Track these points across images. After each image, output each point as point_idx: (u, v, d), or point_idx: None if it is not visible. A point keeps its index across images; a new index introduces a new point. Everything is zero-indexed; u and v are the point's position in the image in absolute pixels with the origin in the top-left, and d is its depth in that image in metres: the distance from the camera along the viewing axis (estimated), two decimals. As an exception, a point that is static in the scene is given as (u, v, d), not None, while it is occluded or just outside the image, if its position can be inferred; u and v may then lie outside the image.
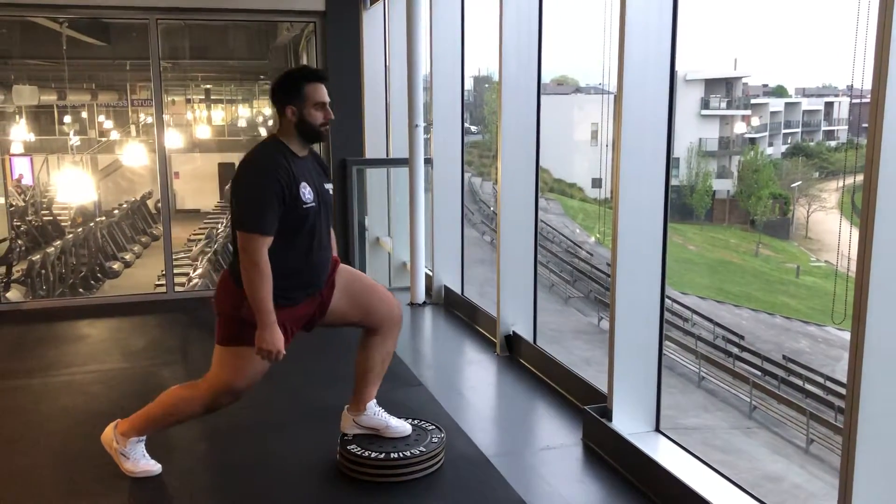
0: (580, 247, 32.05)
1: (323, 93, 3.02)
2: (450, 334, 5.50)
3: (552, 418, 4.04)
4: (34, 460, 3.50)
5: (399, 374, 4.50)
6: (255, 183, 2.91)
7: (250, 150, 3.08)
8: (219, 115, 18.33)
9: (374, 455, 3.20)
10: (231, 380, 3.06)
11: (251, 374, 3.07)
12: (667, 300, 3.72)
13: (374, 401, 3.35)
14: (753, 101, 47.43)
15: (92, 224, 14.28)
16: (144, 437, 3.24)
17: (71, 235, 13.48)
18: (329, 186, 3.15)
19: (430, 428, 3.43)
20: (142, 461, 3.23)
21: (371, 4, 7.16)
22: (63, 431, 3.81)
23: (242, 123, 18.16)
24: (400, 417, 3.41)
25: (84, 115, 19.30)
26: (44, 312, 6.19)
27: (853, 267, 2.42)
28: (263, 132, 15.61)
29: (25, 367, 4.81)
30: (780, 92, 52.12)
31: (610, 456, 3.45)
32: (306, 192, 2.95)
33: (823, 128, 51.03)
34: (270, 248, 2.88)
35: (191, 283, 9.72)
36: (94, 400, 4.22)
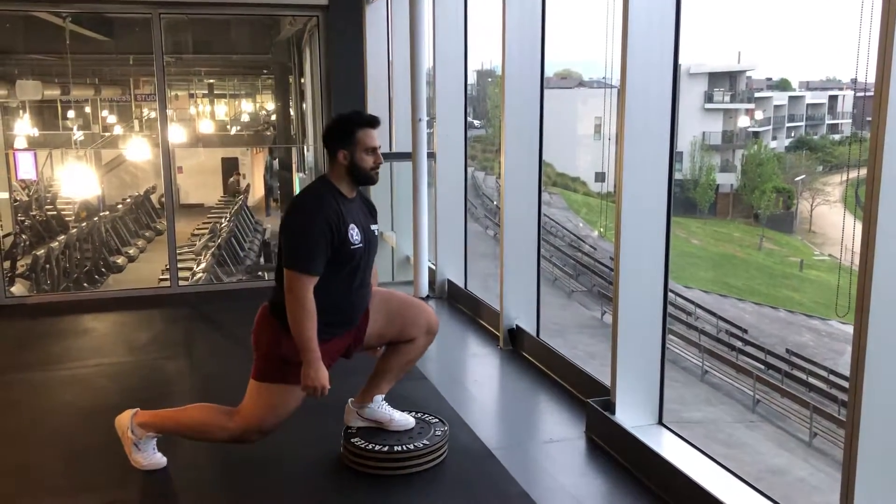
0: (583, 241, 32.03)
1: (374, 138, 3.08)
2: (453, 328, 5.51)
3: (555, 411, 4.05)
4: (39, 453, 3.52)
5: (402, 368, 4.51)
6: (306, 224, 2.95)
7: (301, 190, 3.18)
8: (222, 109, 18.35)
9: (377, 448, 3.21)
10: (263, 416, 3.08)
11: (283, 412, 3.09)
12: (670, 294, 3.72)
13: (383, 395, 3.37)
14: (757, 94, 47.30)
15: (96, 219, 14.31)
16: (160, 435, 3.27)
17: (75, 230, 13.50)
18: (375, 227, 3.20)
19: (434, 421, 3.44)
20: (151, 455, 3.25)
21: (374, -2, 7.16)
22: (68, 425, 3.83)
23: (245, 118, 18.17)
24: (403, 411, 3.43)
25: (87, 109, 19.31)
26: (48, 307, 6.21)
27: (857, 261, 2.42)
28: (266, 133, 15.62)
29: (30, 360, 4.83)
30: (783, 85, 51.96)
31: (613, 449, 3.46)
32: (354, 233, 3.01)
33: (827, 121, 50.88)
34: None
35: (195, 278, 9.74)
36: (99, 393, 4.24)
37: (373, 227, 3.18)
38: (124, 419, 3.25)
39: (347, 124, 3.07)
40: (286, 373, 3.01)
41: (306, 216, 2.97)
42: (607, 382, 3.68)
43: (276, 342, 3.03)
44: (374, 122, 3.11)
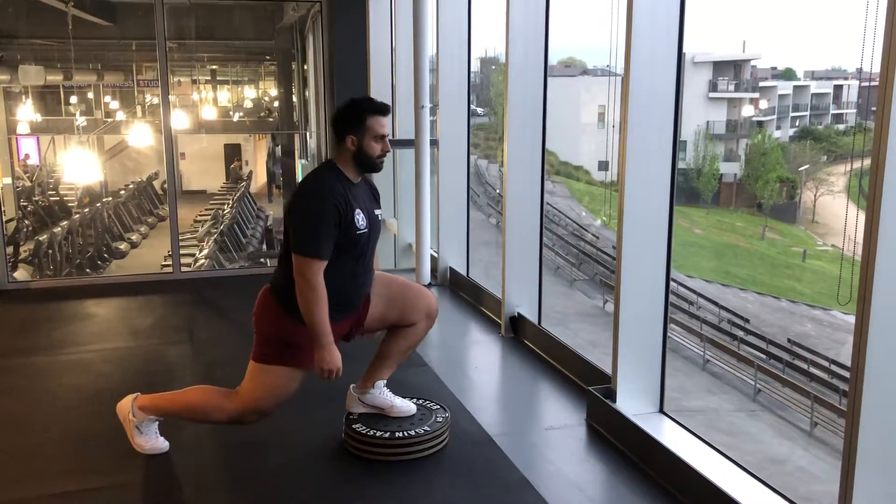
0: (586, 229, 32.01)
1: (384, 125, 3.07)
2: (455, 315, 5.52)
3: (556, 399, 4.06)
4: (42, 438, 3.54)
5: (404, 355, 4.52)
6: (314, 208, 2.96)
7: (308, 174, 3.16)
8: (224, 96, 18.30)
9: (379, 434, 3.23)
10: (262, 397, 3.09)
11: (281, 394, 3.11)
12: (672, 283, 3.72)
13: (384, 381, 3.38)
14: (762, 83, 47.10)
15: (98, 204, 14.32)
16: (162, 419, 3.28)
17: (78, 216, 13.51)
18: (379, 212, 3.20)
19: (435, 408, 3.45)
20: (153, 438, 3.27)
21: (377, -16, 7.13)
22: (70, 409, 3.84)
23: (248, 105, 18.13)
24: (405, 397, 3.44)
25: (90, 95, 19.28)
26: (51, 292, 6.23)
27: (860, 251, 2.42)
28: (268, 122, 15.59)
29: (33, 345, 4.85)
30: (788, 75, 51.74)
31: (613, 436, 3.47)
32: (360, 218, 3.02)
33: (832, 111, 50.69)
34: None
35: (197, 264, 9.76)
36: (102, 378, 4.26)
37: (376, 211, 3.18)
38: (125, 404, 3.27)
39: (358, 110, 3.06)
40: (286, 355, 3.03)
41: (315, 201, 2.97)
42: (608, 370, 3.69)
43: (276, 324, 3.04)
44: (385, 109, 3.10)
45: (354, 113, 3.05)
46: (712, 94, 44.08)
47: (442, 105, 5.91)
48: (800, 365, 18.33)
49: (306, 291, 2.91)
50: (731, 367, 17.37)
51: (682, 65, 3.42)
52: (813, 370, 17.99)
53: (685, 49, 3.45)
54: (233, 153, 16.28)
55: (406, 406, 3.39)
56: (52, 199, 15.57)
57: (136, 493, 3.11)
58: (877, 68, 2.39)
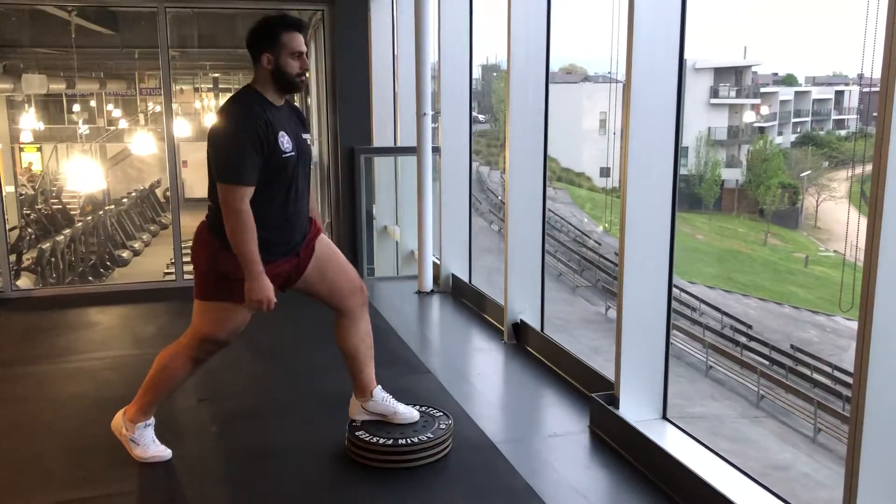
0: (588, 236, 32.02)
1: (300, 42, 2.98)
2: (457, 322, 5.52)
3: (559, 406, 4.06)
4: (45, 446, 3.53)
5: (407, 362, 4.52)
6: (233, 133, 2.89)
7: (226, 100, 3.07)
8: (227, 103, 18.31)
9: (382, 441, 3.22)
10: (212, 332, 3.08)
11: (232, 326, 3.08)
12: (674, 289, 3.72)
13: (381, 387, 3.37)
14: (763, 89, 47.15)
15: (101, 212, 14.35)
16: (152, 422, 3.26)
17: (80, 224, 13.54)
18: (307, 137, 3.12)
19: (438, 414, 3.45)
20: (151, 447, 3.25)
21: (379, -8, 7.15)
22: (73, 417, 3.84)
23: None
24: (408, 404, 3.43)
25: (93, 103, 19.33)
26: (54, 300, 6.23)
27: (862, 257, 2.42)
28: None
29: (36, 353, 4.85)
30: (789, 81, 51.80)
31: (617, 443, 3.46)
32: (285, 140, 2.93)
33: (833, 117, 50.71)
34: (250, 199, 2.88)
35: (200, 272, 9.75)
36: (105, 386, 4.26)
37: (304, 136, 3.09)
38: (117, 420, 3.27)
39: (272, 26, 2.96)
40: (225, 289, 2.98)
41: (234, 125, 2.90)
42: (611, 377, 3.68)
43: (213, 259, 2.99)
44: (300, 24, 3.02)
45: (268, 30, 2.96)
46: (714, 101, 44.13)
47: (444, 112, 5.92)
48: (803, 371, 18.31)
49: (231, 219, 2.84)
50: (733, 374, 17.36)
51: (683, 71, 3.43)
52: (816, 376, 17.97)
53: (686, 55, 3.45)
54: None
55: (409, 413, 3.38)
56: (54, 207, 15.60)
57: (139, 501, 3.11)
58: (878, 74, 2.39)
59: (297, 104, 3.26)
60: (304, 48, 2.99)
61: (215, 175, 2.92)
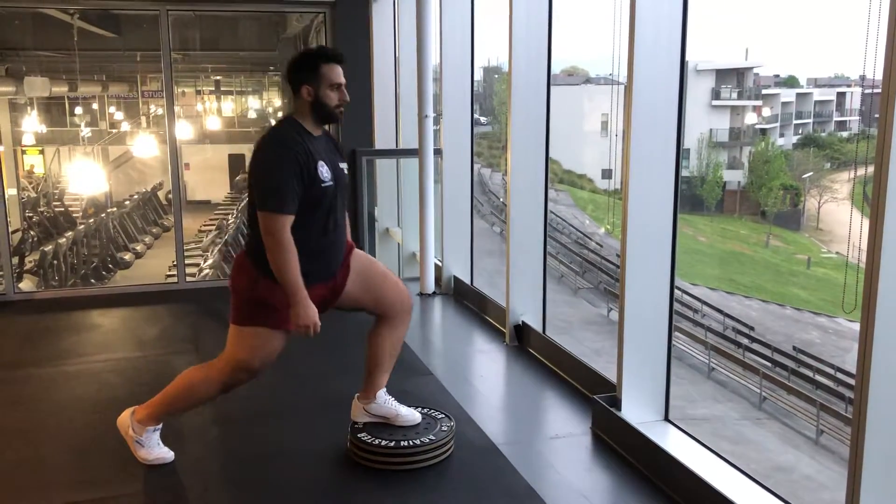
0: (590, 238, 32.00)
1: (339, 74, 3.02)
2: (459, 324, 5.52)
3: (561, 407, 4.06)
4: (47, 449, 3.54)
5: (409, 364, 4.52)
6: (275, 162, 2.92)
7: (266, 130, 3.11)
8: (229, 106, 18.36)
9: (384, 443, 3.22)
10: (246, 359, 3.09)
11: (266, 354, 3.10)
12: (676, 291, 3.72)
13: (385, 389, 3.37)
14: (765, 91, 47.13)
15: (103, 215, 14.36)
16: (160, 426, 3.27)
17: (82, 226, 13.55)
18: (344, 166, 3.15)
19: (440, 416, 3.45)
20: (156, 449, 3.26)
21: (381, -5, 7.16)
22: (76, 420, 3.85)
23: (252, 115, 18.19)
24: (410, 406, 3.44)
25: (95, 106, 19.36)
26: (56, 302, 6.24)
27: (864, 258, 2.42)
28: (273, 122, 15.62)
29: (38, 356, 4.86)
30: (791, 82, 51.78)
31: (619, 445, 3.46)
32: (324, 170, 2.97)
33: (835, 118, 50.68)
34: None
35: (202, 274, 9.78)
36: (107, 388, 4.26)
37: (341, 165, 3.13)
38: (124, 419, 3.28)
39: (312, 58, 3.01)
40: (263, 315, 3.01)
41: (275, 155, 2.93)
42: (613, 379, 3.68)
43: (251, 285, 3.02)
44: (339, 57, 3.05)
45: (308, 62, 3.00)
46: (715, 102, 44.10)
47: (445, 114, 5.93)
48: (805, 373, 18.27)
49: (274, 248, 2.88)
50: (736, 375, 17.32)
51: (685, 73, 3.43)
52: (818, 378, 17.93)
53: (688, 57, 3.46)
54: (237, 163, 16.33)
55: (411, 415, 3.38)
56: (56, 209, 15.62)
57: (142, 503, 3.11)
58: (879, 75, 2.39)
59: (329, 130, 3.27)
60: (342, 80, 3.03)
61: (257, 203, 2.94)
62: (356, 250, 3.28)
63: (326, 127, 3.16)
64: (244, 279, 3.06)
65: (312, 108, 3.01)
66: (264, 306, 3.00)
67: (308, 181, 2.92)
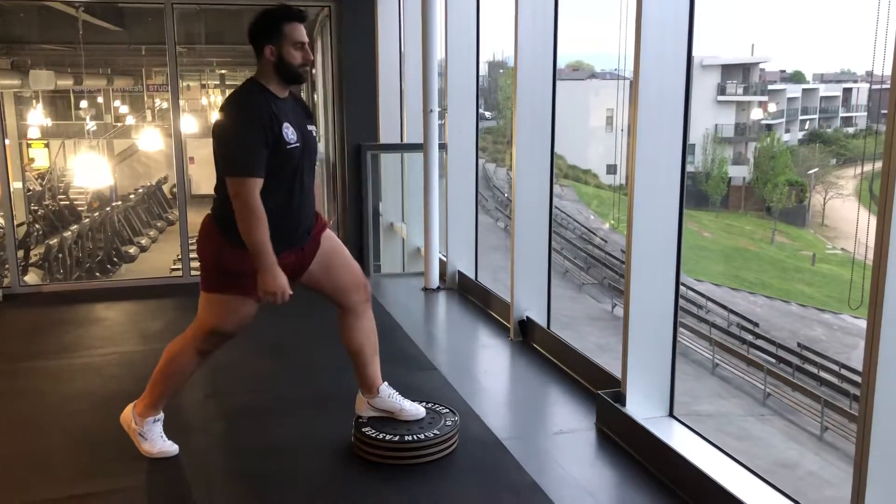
0: (594, 233, 31.98)
1: (302, 32, 2.97)
2: (464, 319, 5.52)
3: (565, 403, 4.05)
4: (52, 441, 3.55)
5: (413, 358, 4.53)
6: (239, 126, 2.89)
7: (230, 94, 3.06)
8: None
9: (388, 437, 3.22)
10: (217, 324, 3.09)
11: (238, 319, 3.09)
12: (681, 287, 3.70)
13: (387, 383, 3.37)
14: (770, 87, 47.01)
15: (108, 208, 14.38)
16: (161, 417, 3.28)
17: (87, 220, 13.58)
18: (312, 128, 3.11)
19: (444, 411, 3.45)
20: (159, 442, 3.26)
21: (386, -11, 7.13)
22: (81, 413, 3.85)
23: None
24: (414, 401, 3.43)
25: (100, 100, 19.37)
26: (61, 295, 6.25)
27: (870, 255, 2.41)
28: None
29: (43, 349, 4.87)
30: (797, 78, 51.59)
31: (623, 440, 3.46)
32: (289, 132, 2.93)
33: (841, 114, 50.52)
34: None
35: (206, 268, 9.76)
36: (112, 381, 4.27)
37: (310, 127, 3.08)
38: (127, 413, 3.29)
39: (274, 17, 2.95)
40: (232, 283, 2.99)
41: (239, 118, 2.90)
42: (618, 374, 3.68)
43: (217, 253, 3.00)
44: (301, 15, 3.01)
45: (270, 21, 2.95)
46: (721, 98, 44.03)
47: (450, 109, 5.92)
48: (810, 369, 18.25)
49: (243, 212, 2.84)
50: (740, 372, 17.32)
51: (691, 68, 3.42)
52: (823, 374, 17.91)
53: (694, 52, 3.44)
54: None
55: (415, 409, 3.38)
56: (62, 203, 15.66)
57: (146, 496, 3.12)
58: (887, 71, 2.38)
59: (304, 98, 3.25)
60: (306, 38, 2.98)
61: (223, 169, 2.91)
62: (328, 231, 3.24)
63: (301, 92, 3.09)
64: (210, 247, 3.03)
65: (276, 68, 2.95)
66: (231, 273, 2.97)
67: (273, 143, 2.88)
